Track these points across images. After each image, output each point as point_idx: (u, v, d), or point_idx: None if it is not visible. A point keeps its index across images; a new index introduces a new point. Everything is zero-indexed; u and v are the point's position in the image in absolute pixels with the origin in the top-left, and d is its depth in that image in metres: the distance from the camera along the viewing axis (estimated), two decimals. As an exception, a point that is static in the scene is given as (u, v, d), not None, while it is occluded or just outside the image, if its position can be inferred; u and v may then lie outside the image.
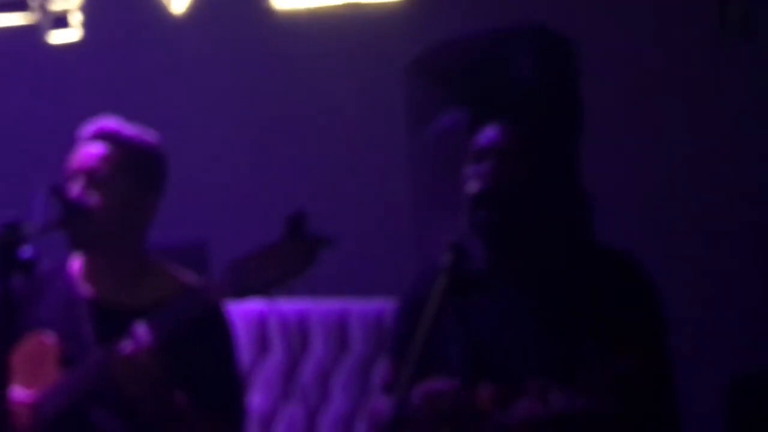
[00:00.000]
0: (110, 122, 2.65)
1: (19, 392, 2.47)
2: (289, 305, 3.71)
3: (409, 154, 3.16)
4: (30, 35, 4.20)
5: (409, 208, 3.14)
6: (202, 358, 2.53)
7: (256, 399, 3.59)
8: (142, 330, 2.39)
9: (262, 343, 3.74)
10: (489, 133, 2.45)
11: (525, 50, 3.04)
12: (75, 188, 2.56)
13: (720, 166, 3.48)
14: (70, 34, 4.21)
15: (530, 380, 2.27)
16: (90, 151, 2.60)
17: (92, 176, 2.57)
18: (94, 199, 2.55)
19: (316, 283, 3.23)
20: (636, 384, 2.28)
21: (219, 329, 2.61)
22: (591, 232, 2.83)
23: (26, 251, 2.07)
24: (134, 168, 2.61)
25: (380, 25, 3.86)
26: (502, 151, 2.41)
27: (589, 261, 2.45)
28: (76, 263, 2.67)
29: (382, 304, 3.53)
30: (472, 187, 2.38)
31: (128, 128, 2.65)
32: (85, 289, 2.63)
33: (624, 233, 2.78)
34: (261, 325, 3.74)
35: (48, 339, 2.55)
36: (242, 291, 2.35)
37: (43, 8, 4.18)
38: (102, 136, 2.61)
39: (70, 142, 2.65)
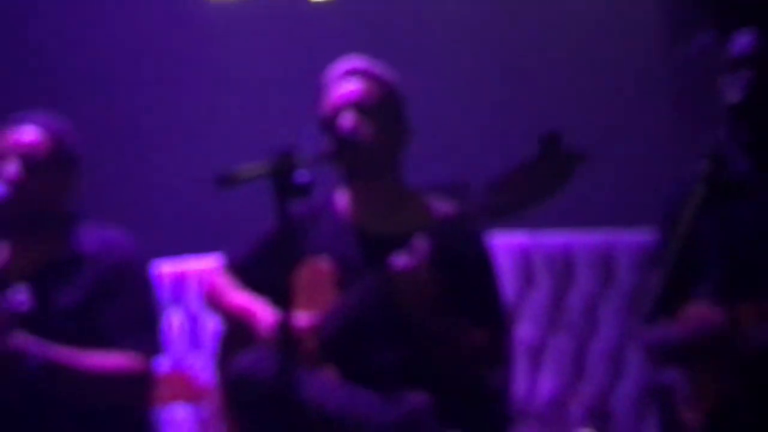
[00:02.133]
0: (360, 62, 2.72)
1: (301, 315, 2.57)
2: (553, 238, 3.70)
3: (667, 74, 3.05)
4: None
5: (670, 131, 3.04)
6: (468, 278, 2.55)
7: (524, 330, 3.59)
8: (419, 244, 2.42)
9: (528, 276, 3.73)
10: (744, 41, 2.37)
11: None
12: (346, 121, 2.62)
13: None
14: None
15: None
16: (354, 86, 2.67)
17: (361, 109, 2.63)
18: (365, 130, 2.61)
19: (580, 213, 3.18)
20: None
21: (480, 251, 2.63)
22: None
23: (302, 176, 2.12)
24: (392, 102, 2.70)
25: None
26: (759, 59, 2.33)
27: None
28: (343, 194, 2.74)
29: (648, 234, 3.44)
30: (731, 97, 2.31)
31: (376, 65, 2.72)
32: (352, 217, 2.70)
33: None
34: (526, 258, 3.73)
35: (324, 264, 2.63)
36: (500, 210, 2.35)
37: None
38: (357, 73, 2.69)
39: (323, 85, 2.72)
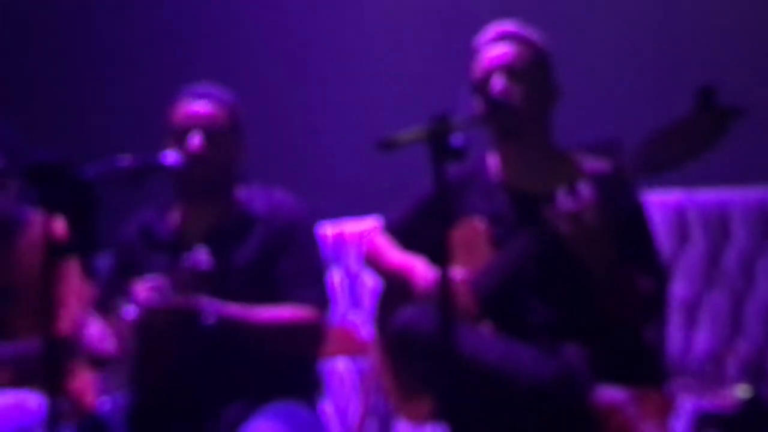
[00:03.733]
0: (510, 25, 2.74)
1: (458, 272, 2.61)
2: (708, 195, 3.64)
3: None
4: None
5: None
6: (627, 230, 2.54)
7: (679, 287, 3.54)
8: (584, 186, 2.41)
9: (683, 233, 3.67)
10: None
11: None
12: (496, 84, 2.65)
13: None
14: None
15: None
16: (504, 50, 2.69)
17: (510, 72, 2.65)
18: (514, 93, 2.64)
19: (736, 169, 3.08)
20: None
21: (636, 205, 2.62)
22: None
23: (458, 139, 2.15)
24: (541, 65, 2.71)
25: None
26: None
27: None
28: (493, 156, 2.77)
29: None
30: None
31: (524, 29, 2.73)
32: (505, 178, 2.73)
33: None
34: (680, 215, 3.67)
35: (479, 223, 2.67)
36: (657, 166, 2.32)
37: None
38: (507, 37, 2.71)
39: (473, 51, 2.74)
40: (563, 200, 2.42)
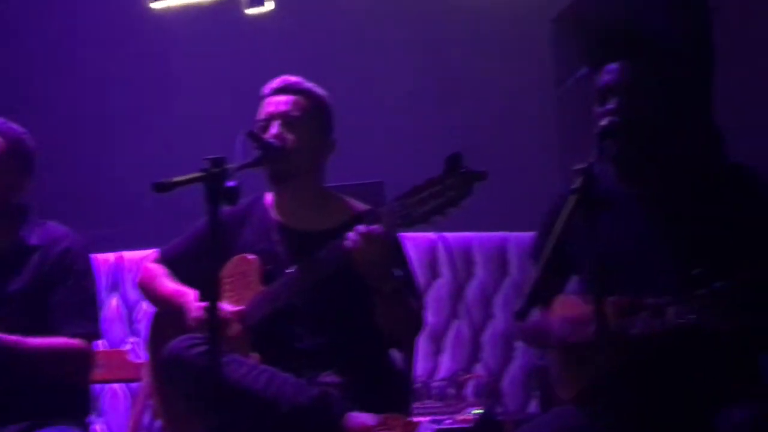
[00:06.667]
0: (292, 77, 2.76)
1: (228, 304, 2.60)
2: (455, 236, 3.77)
3: (555, 101, 3.14)
4: (229, 9, 4.36)
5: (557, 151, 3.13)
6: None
7: (429, 317, 3.63)
8: (371, 218, 2.44)
9: (433, 269, 3.79)
10: (610, 70, 2.41)
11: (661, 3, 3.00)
12: (273, 129, 2.66)
13: None
14: (264, 8, 4.32)
15: (650, 294, 2.24)
16: (282, 99, 2.70)
17: (287, 120, 2.67)
18: (289, 139, 2.65)
19: (480, 218, 3.26)
20: (747, 298, 2.19)
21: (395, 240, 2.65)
22: (719, 160, 2.76)
23: (231, 182, 2.17)
24: (317, 113, 2.72)
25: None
26: (623, 87, 2.37)
27: (712, 179, 2.38)
28: (269, 196, 2.77)
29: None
30: (600, 122, 2.35)
31: (306, 82, 2.76)
32: (278, 217, 2.73)
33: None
34: (432, 252, 3.79)
35: (251, 259, 2.66)
36: (410, 221, 2.37)
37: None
38: (287, 88, 2.73)
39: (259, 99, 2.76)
40: (356, 228, 2.42)
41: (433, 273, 3.81)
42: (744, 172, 2.39)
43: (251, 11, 4.35)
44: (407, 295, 2.56)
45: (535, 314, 2.33)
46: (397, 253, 2.61)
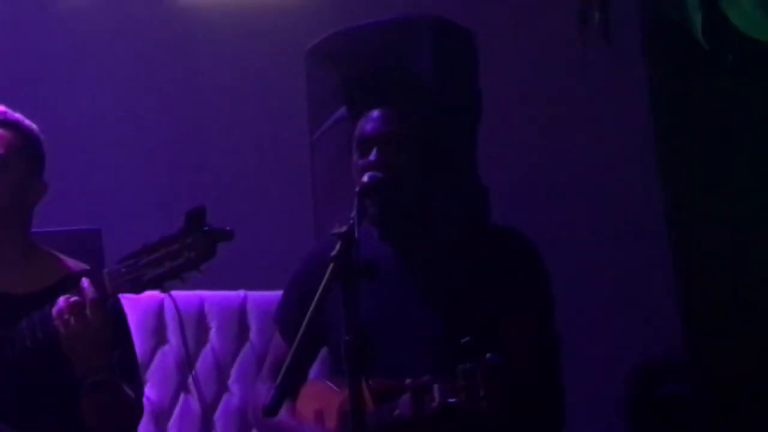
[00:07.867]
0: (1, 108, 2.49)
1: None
2: (185, 295, 3.36)
3: (309, 146, 3.02)
4: None
5: (311, 203, 3.03)
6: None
7: (151, 393, 3.32)
8: (87, 283, 2.24)
9: (159, 334, 3.47)
10: (373, 119, 2.33)
11: (422, 40, 2.87)
12: None
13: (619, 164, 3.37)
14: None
15: (410, 375, 2.17)
16: None
17: None
18: None
19: (218, 274, 3.03)
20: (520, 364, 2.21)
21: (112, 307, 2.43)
22: (485, 219, 2.75)
23: None
24: (28, 152, 2.47)
25: (281, 13, 3.69)
26: (387, 137, 2.29)
27: (477, 241, 2.38)
28: None
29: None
30: (362, 180, 2.26)
31: (15, 114, 2.51)
32: None
33: (523, 226, 2.60)
34: (157, 315, 3.47)
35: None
36: (137, 285, 2.22)
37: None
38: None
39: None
40: (65, 297, 2.21)
41: (159, 339, 3.45)
42: (509, 233, 2.41)
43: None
44: (122, 381, 2.34)
45: (284, 409, 2.18)
46: (117, 328, 2.40)
